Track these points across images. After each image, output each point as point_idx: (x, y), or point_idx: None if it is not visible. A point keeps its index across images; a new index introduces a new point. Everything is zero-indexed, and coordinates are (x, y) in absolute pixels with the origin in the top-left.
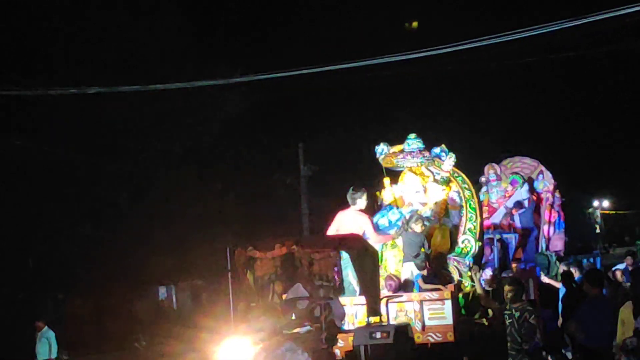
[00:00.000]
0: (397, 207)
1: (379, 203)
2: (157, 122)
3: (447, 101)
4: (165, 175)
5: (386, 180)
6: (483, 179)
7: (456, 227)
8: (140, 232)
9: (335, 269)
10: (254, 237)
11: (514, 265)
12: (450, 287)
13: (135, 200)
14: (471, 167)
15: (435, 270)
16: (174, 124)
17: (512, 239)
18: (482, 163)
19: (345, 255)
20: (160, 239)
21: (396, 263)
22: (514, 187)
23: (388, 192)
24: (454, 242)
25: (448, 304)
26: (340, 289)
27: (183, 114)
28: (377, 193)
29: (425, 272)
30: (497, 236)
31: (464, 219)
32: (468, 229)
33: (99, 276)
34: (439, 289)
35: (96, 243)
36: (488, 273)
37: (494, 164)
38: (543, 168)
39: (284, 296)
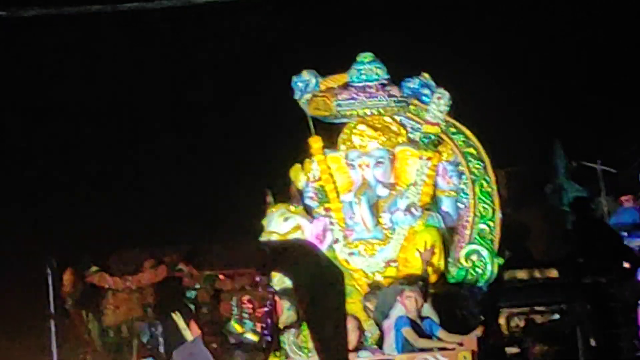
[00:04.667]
0: (338, 194)
1: (300, 187)
2: None
3: None
4: None
5: (315, 142)
6: None
7: (452, 230)
8: None
9: (265, 308)
10: (101, 244)
11: None
12: (470, 341)
13: None
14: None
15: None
16: None
17: None
18: None
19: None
20: None
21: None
22: None
23: (318, 165)
24: (449, 255)
25: None
26: (272, 347)
27: None
28: (295, 170)
29: (412, 313)
30: None
31: (469, 213)
32: (478, 234)
33: None
34: (445, 348)
35: None
36: None
37: None
38: None
39: None
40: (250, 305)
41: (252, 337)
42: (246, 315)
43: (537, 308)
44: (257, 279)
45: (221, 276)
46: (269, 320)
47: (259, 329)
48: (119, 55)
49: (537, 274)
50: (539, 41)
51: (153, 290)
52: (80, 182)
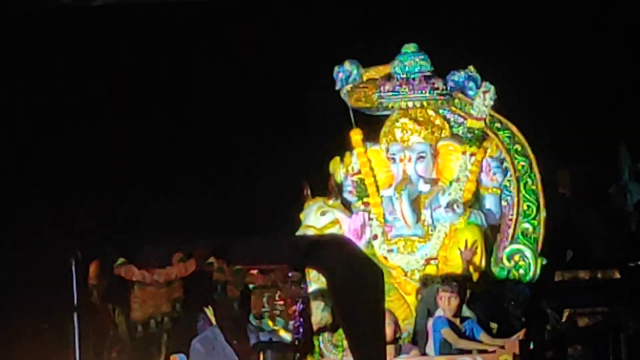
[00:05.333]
0: (377, 188)
1: (338, 180)
2: None
3: None
4: None
5: (355, 135)
6: None
7: (494, 229)
8: None
9: (298, 306)
10: (130, 236)
11: None
12: (512, 344)
13: None
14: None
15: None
16: None
17: None
18: None
19: (317, 280)
20: None
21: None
22: None
23: (358, 158)
24: (491, 255)
25: None
26: (306, 348)
27: None
28: (334, 163)
29: (447, 313)
30: None
31: (512, 212)
32: (521, 233)
33: None
34: (485, 351)
35: None
36: None
37: None
38: None
39: None
40: (282, 302)
41: (284, 335)
42: (277, 313)
43: (579, 310)
44: (290, 274)
45: (253, 271)
46: (301, 319)
47: (291, 327)
48: (160, 46)
49: (599, 275)
50: (603, 34)
51: (182, 284)
52: (110, 172)
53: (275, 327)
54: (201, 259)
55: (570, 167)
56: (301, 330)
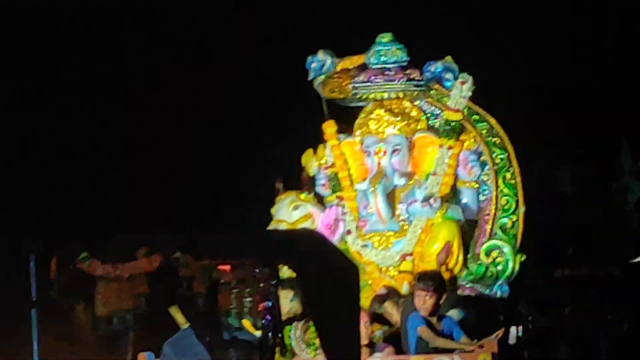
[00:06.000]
0: (351, 182)
1: (311, 174)
2: None
3: None
4: None
5: (328, 127)
6: None
7: (472, 224)
8: None
9: (267, 303)
10: (94, 230)
11: None
12: (491, 343)
13: None
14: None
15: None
16: None
17: None
18: None
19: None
20: None
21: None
22: None
23: (331, 151)
24: (468, 251)
25: None
26: (272, 345)
27: None
28: (307, 156)
29: (426, 310)
30: None
31: (490, 207)
32: (500, 228)
33: None
34: (463, 351)
35: None
36: None
37: None
38: None
39: None
40: (251, 299)
41: (252, 333)
42: (246, 310)
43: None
44: (259, 270)
45: (220, 267)
46: (270, 317)
47: (259, 325)
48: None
49: (598, 272)
50: (588, 23)
51: (146, 279)
52: (73, 164)
53: (242, 325)
54: (167, 253)
55: (571, 165)
56: (270, 328)
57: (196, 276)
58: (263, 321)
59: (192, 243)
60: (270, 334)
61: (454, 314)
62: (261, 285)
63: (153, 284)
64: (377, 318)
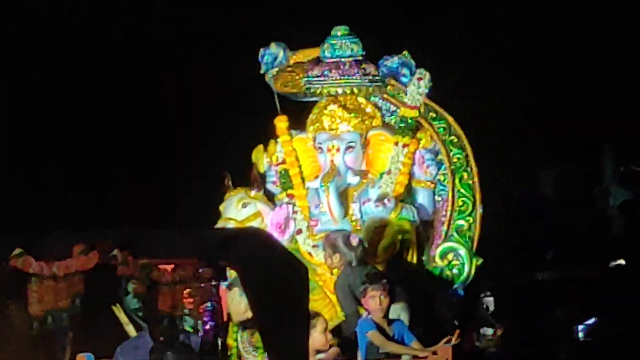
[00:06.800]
0: (303, 179)
1: (262, 170)
2: None
3: None
4: None
5: (280, 122)
6: None
7: (427, 225)
8: None
9: (208, 305)
10: (28, 226)
11: None
12: (445, 349)
13: None
14: None
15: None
16: None
17: None
18: None
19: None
20: None
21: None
22: None
23: (282, 147)
24: (423, 253)
25: None
26: (214, 350)
27: None
28: (257, 152)
29: (377, 314)
30: None
31: (445, 207)
32: (456, 230)
33: None
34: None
35: None
36: None
37: None
38: None
39: None
40: (192, 300)
41: (192, 337)
42: (186, 312)
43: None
44: (201, 270)
45: (160, 266)
46: (211, 319)
47: (199, 328)
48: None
49: (576, 276)
50: (573, 12)
51: (83, 278)
52: (6, 157)
53: (184, 327)
54: (104, 251)
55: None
56: (211, 332)
57: (135, 275)
58: (204, 324)
59: (131, 240)
60: (211, 338)
61: (402, 314)
62: (202, 285)
63: (90, 283)
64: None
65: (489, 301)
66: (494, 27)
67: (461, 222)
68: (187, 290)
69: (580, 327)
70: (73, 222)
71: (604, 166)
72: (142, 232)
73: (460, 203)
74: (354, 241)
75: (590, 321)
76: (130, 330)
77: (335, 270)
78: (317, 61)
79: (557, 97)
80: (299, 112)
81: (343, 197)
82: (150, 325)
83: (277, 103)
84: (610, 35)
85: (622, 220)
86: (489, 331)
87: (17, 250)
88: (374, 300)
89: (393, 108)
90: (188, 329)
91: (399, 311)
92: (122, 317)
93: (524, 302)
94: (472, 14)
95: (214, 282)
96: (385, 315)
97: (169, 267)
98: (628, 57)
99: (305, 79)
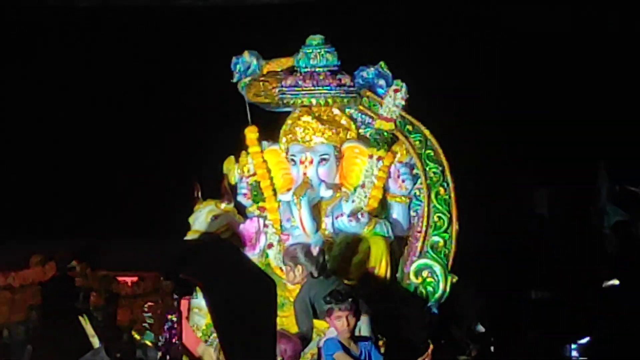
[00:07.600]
0: (275, 192)
1: (232, 182)
2: None
3: None
4: None
5: (250, 132)
6: None
7: (402, 241)
8: None
9: (169, 319)
10: None
11: None
12: None
13: None
14: None
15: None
16: None
17: None
18: None
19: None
20: None
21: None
22: None
23: (253, 158)
24: (397, 270)
25: None
26: None
27: None
28: (228, 163)
29: (343, 335)
30: None
31: (421, 223)
32: (431, 247)
33: None
34: None
35: None
36: None
37: None
38: None
39: None
40: (152, 314)
41: (150, 352)
42: (146, 325)
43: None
44: (163, 283)
45: (120, 278)
46: (172, 334)
47: (160, 343)
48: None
49: (568, 296)
50: (558, 21)
51: (39, 289)
52: None
53: (144, 341)
54: (62, 262)
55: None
56: (171, 346)
57: (94, 287)
58: (165, 339)
59: (90, 252)
60: (171, 353)
61: (362, 327)
62: (164, 299)
63: (47, 294)
64: None
65: (480, 329)
66: (473, 38)
67: (437, 238)
68: (149, 303)
69: (563, 347)
70: (29, 231)
71: (598, 185)
72: (102, 243)
73: (436, 219)
74: (315, 251)
75: (576, 341)
76: (95, 342)
77: (298, 286)
78: (291, 71)
79: (535, 112)
80: (272, 122)
81: (316, 210)
82: (107, 341)
83: (249, 113)
84: (599, 51)
85: (607, 238)
86: (463, 353)
87: None
88: (340, 321)
89: (368, 120)
90: (148, 343)
91: (359, 325)
92: (89, 329)
93: (500, 322)
94: (450, 25)
95: (175, 296)
96: (351, 335)
97: (129, 280)
98: (612, 71)
99: (279, 88)
